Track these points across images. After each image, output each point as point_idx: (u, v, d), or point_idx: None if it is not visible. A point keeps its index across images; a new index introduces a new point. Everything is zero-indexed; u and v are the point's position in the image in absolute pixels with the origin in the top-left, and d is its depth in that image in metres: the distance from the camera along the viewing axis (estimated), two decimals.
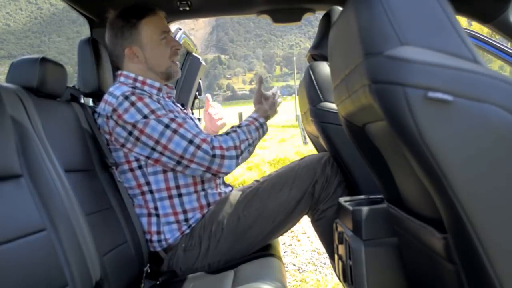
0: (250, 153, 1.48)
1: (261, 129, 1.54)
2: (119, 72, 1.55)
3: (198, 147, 1.37)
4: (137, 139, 1.37)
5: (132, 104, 1.37)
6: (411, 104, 0.63)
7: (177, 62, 1.59)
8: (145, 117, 1.36)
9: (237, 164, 1.43)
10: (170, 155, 1.37)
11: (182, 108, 1.64)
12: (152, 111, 1.38)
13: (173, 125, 1.37)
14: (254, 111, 1.59)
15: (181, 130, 1.37)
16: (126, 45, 1.51)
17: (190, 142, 1.37)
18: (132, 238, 1.36)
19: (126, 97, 1.38)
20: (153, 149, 1.38)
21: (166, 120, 1.37)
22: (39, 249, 0.90)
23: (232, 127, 1.50)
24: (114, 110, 1.38)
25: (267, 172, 7.08)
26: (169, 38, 1.55)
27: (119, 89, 1.42)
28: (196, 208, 1.48)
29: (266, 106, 1.58)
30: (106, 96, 1.45)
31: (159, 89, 1.54)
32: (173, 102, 1.60)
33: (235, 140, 1.42)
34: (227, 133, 1.46)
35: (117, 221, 1.33)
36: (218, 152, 1.38)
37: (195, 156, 1.37)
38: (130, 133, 1.38)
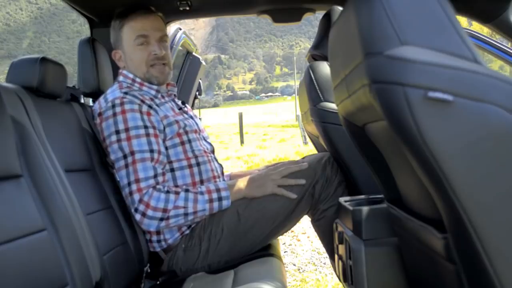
0: (184, 221, 1.37)
1: (217, 203, 1.38)
2: (121, 70, 1.56)
3: (131, 193, 1.34)
4: (106, 148, 1.42)
5: (114, 115, 1.39)
6: (411, 104, 0.63)
7: (164, 68, 1.53)
8: (117, 132, 1.37)
9: (159, 227, 1.35)
10: (119, 179, 1.39)
11: (183, 106, 1.64)
12: (126, 129, 1.37)
13: (129, 159, 1.35)
14: (230, 181, 1.45)
15: (130, 169, 1.35)
16: (114, 48, 1.55)
17: (129, 184, 1.35)
18: (132, 238, 1.36)
19: (113, 106, 1.40)
20: (113, 164, 1.41)
21: (127, 150, 1.36)
22: (39, 249, 0.90)
23: (188, 189, 1.39)
24: (100, 114, 1.42)
25: None
26: (150, 41, 1.49)
27: (113, 94, 1.44)
28: None
29: (259, 188, 1.42)
30: (101, 97, 1.47)
31: (157, 91, 1.54)
32: (173, 100, 1.60)
33: (169, 203, 1.33)
34: (176, 192, 1.36)
35: (117, 221, 1.33)
36: (141, 208, 1.33)
37: (127, 198, 1.37)
38: (104, 139, 1.42)
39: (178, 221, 1.36)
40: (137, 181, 1.34)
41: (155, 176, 1.36)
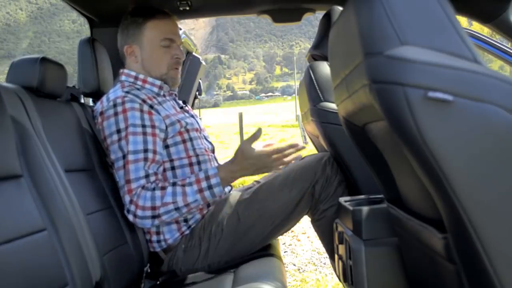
0: (179, 215, 1.35)
1: (208, 192, 1.34)
2: (121, 70, 1.56)
3: (124, 193, 1.34)
4: (107, 148, 1.41)
5: (116, 114, 1.39)
6: (411, 104, 0.63)
7: (179, 71, 1.57)
8: (118, 131, 1.38)
9: (153, 225, 1.34)
10: (117, 180, 1.39)
11: (184, 105, 1.64)
12: (126, 127, 1.37)
13: (124, 160, 1.35)
14: (223, 164, 1.40)
15: (124, 170, 1.35)
16: (127, 43, 1.53)
17: (123, 184, 1.35)
18: (132, 238, 1.36)
19: (115, 105, 1.40)
20: (113, 164, 1.40)
21: (125, 150, 1.36)
22: (39, 249, 0.90)
23: (175, 182, 1.35)
24: (101, 113, 1.42)
25: None
26: (173, 46, 1.53)
27: (115, 93, 1.44)
28: None
29: (242, 165, 1.34)
30: (103, 97, 1.47)
31: (160, 87, 1.54)
32: (174, 99, 1.61)
33: (156, 200, 1.31)
34: (162, 188, 1.33)
35: (117, 221, 1.33)
36: (132, 208, 1.32)
37: (122, 199, 1.36)
38: (105, 139, 1.41)
39: (172, 216, 1.34)
40: (128, 182, 1.34)
41: (147, 176, 1.35)
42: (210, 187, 1.35)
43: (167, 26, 1.53)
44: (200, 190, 1.34)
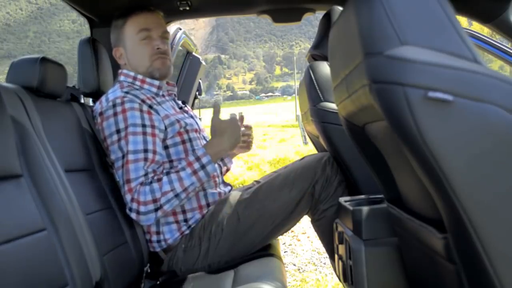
0: (179, 201, 1.37)
1: (202, 171, 1.38)
2: (120, 71, 1.56)
3: (124, 193, 1.35)
4: (107, 148, 1.42)
5: (115, 114, 1.39)
6: (411, 104, 0.63)
7: (166, 61, 1.54)
8: (118, 131, 1.38)
9: (156, 218, 1.35)
10: (118, 179, 1.39)
11: (184, 105, 1.64)
12: (126, 127, 1.37)
13: (124, 160, 1.36)
14: (204, 145, 1.46)
15: (124, 169, 1.35)
16: (115, 46, 1.56)
17: (123, 184, 1.35)
18: (132, 238, 1.36)
19: (114, 105, 1.40)
20: (113, 164, 1.41)
21: (124, 150, 1.36)
22: (39, 249, 0.90)
23: (168, 172, 1.38)
24: (101, 113, 1.42)
25: (267, 172, 7.06)
26: (153, 36, 1.51)
27: (114, 93, 1.44)
28: (195, 208, 1.48)
29: (224, 137, 1.42)
30: (103, 97, 1.47)
31: (159, 87, 1.54)
32: (174, 100, 1.61)
33: (155, 192, 1.33)
34: (158, 179, 1.35)
35: (117, 221, 1.33)
36: (134, 206, 1.33)
37: (123, 198, 1.37)
38: (105, 139, 1.41)
39: (173, 204, 1.35)
40: (128, 181, 1.34)
41: (145, 175, 1.35)
42: (203, 167, 1.38)
43: (142, 19, 1.52)
44: (194, 172, 1.37)
